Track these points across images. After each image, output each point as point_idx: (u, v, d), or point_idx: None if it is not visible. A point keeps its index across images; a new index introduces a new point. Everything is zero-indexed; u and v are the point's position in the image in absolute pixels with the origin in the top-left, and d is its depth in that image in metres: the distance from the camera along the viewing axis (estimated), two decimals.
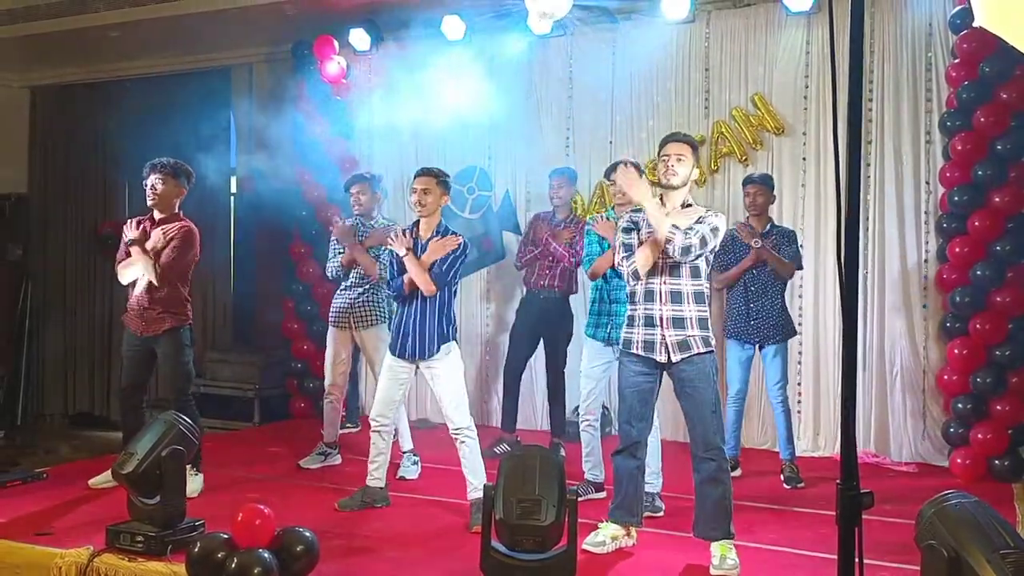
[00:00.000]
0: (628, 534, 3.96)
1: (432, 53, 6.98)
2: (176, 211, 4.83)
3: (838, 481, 1.70)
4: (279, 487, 5.01)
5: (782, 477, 5.17)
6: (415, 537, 4.11)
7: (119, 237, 8.59)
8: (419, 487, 4.99)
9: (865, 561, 1.73)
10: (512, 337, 5.99)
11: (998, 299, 5.22)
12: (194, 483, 4.62)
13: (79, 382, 8.93)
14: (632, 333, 3.84)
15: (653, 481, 4.44)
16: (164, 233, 4.74)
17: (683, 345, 3.74)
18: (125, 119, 8.62)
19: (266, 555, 3.23)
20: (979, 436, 5.21)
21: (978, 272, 5.27)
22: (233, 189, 8.35)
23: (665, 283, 3.77)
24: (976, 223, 5.26)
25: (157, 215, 4.81)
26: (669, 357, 3.76)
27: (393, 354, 4.46)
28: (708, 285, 3.90)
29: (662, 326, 3.74)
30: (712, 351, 3.79)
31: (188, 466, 4.23)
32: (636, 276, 3.81)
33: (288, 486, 5.05)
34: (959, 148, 5.34)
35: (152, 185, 4.74)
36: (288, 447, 5.97)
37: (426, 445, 5.49)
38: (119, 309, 8.72)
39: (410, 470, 5.26)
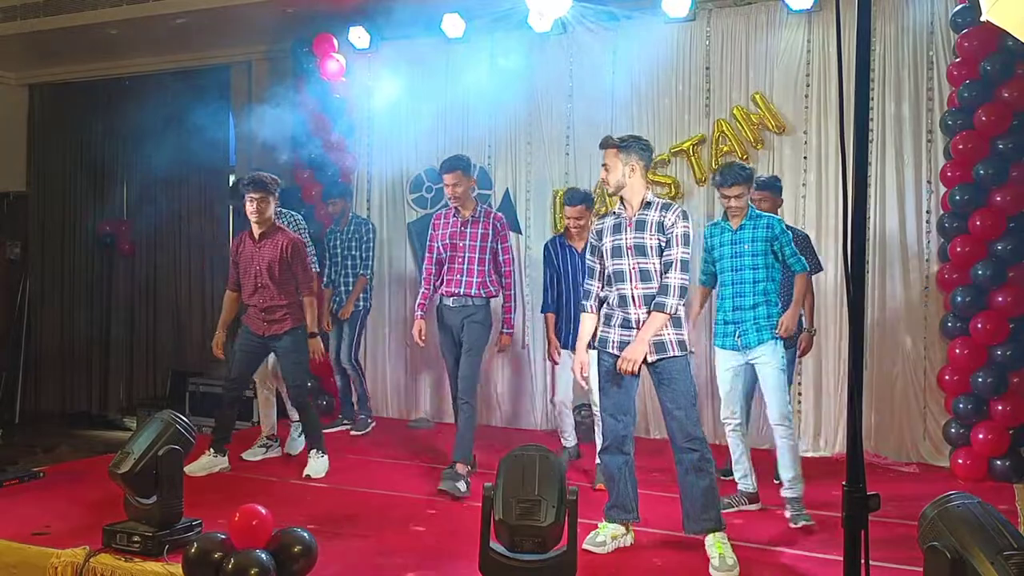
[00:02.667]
0: (627, 532, 3.96)
1: (432, 51, 6.98)
2: (273, 222, 5.19)
3: (844, 483, 1.69)
4: (277, 487, 4.99)
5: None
6: (414, 537, 4.09)
7: (118, 236, 8.67)
8: (419, 487, 4.97)
9: (864, 561, 1.71)
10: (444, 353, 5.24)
11: (999, 299, 5.20)
12: (319, 464, 5.12)
13: (77, 381, 8.91)
14: (608, 332, 3.94)
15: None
16: (279, 249, 5.09)
17: (659, 346, 3.82)
18: (124, 117, 8.60)
19: (263, 556, 3.21)
20: (980, 436, 5.19)
21: (979, 272, 5.25)
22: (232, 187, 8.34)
23: (637, 288, 3.86)
24: (977, 222, 5.24)
25: (257, 230, 5.14)
26: (645, 357, 3.82)
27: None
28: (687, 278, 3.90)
29: (639, 327, 3.84)
30: (687, 353, 3.88)
31: (315, 449, 5.12)
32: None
33: (286, 486, 5.02)
34: (960, 147, 5.32)
35: (255, 204, 5.04)
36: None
37: (426, 445, 5.47)
38: (117, 308, 8.78)
39: (296, 443, 5.59)
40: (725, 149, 6.25)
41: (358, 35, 7.06)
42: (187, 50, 7.96)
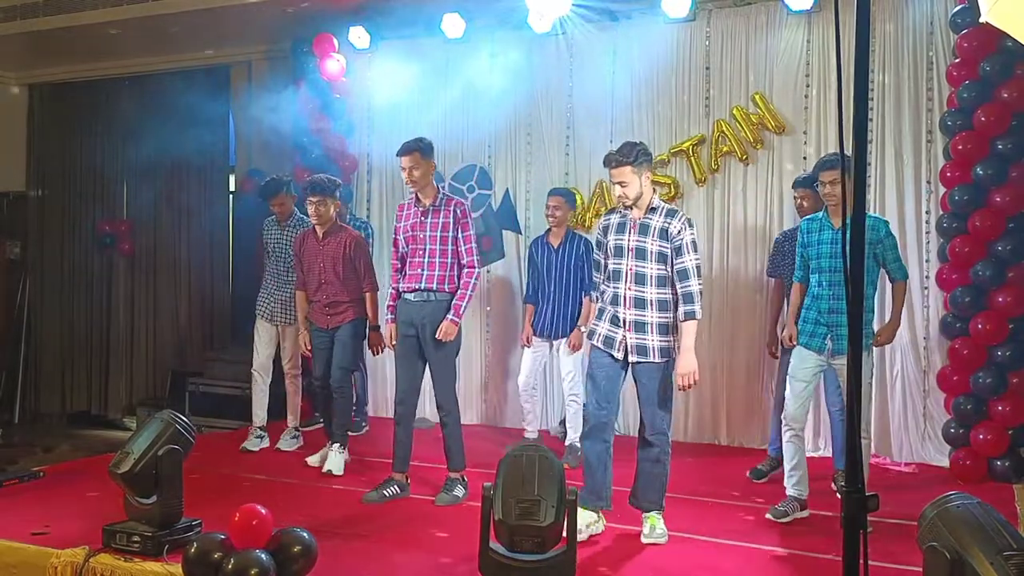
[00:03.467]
0: (599, 519, 4.04)
1: (432, 51, 6.98)
2: (336, 222, 5.36)
3: (843, 483, 1.69)
4: (277, 487, 4.99)
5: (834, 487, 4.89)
6: (414, 537, 4.09)
7: (117, 236, 8.68)
8: (418, 487, 4.97)
9: (862, 562, 1.71)
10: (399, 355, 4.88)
11: (999, 299, 5.20)
12: (338, 460, 5.23)
13: (77, 381, 8.92)
14: (597, 326, 4.11)
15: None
16: (343, 247, 5.29)
17: (641, 350, 3.99)
18: (123, 117, 8.61)
19: (263, 556, 3.21)
20: (980, 436, 5.19)
21: (979, 272, 5.25)
22: (232, 187, 8.34)
23: (630, 289, 4.00)
24: (977, 223, 5.24)
25: (320, 230, 5.31)
26: (627, 356, 4.00)
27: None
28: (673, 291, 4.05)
29: (625, 327, 4.00)
30: (667, 360, 4.01)
31: (337, 444, 5.25)
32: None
33: (286, 486, 5.03)
34: (960, 147, 5.32)
35: (315, 207, 5.23)
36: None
37: (426, 445, 5.47)
38: (117, 308, 8.78)
39: (290, 443, 5.81)
40: (725, 149, 6.25)
41: (358, 35, 7.06)
42: (187, 50, 7.96)
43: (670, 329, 4.01)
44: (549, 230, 5.73)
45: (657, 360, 3.98)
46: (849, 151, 1.71)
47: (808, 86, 6.07)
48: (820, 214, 4.49)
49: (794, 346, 4.49)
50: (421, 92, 7.10)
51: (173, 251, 8.59)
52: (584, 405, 4.26)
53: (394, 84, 7.10)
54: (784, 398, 4.50)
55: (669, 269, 3.99)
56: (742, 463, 5.47)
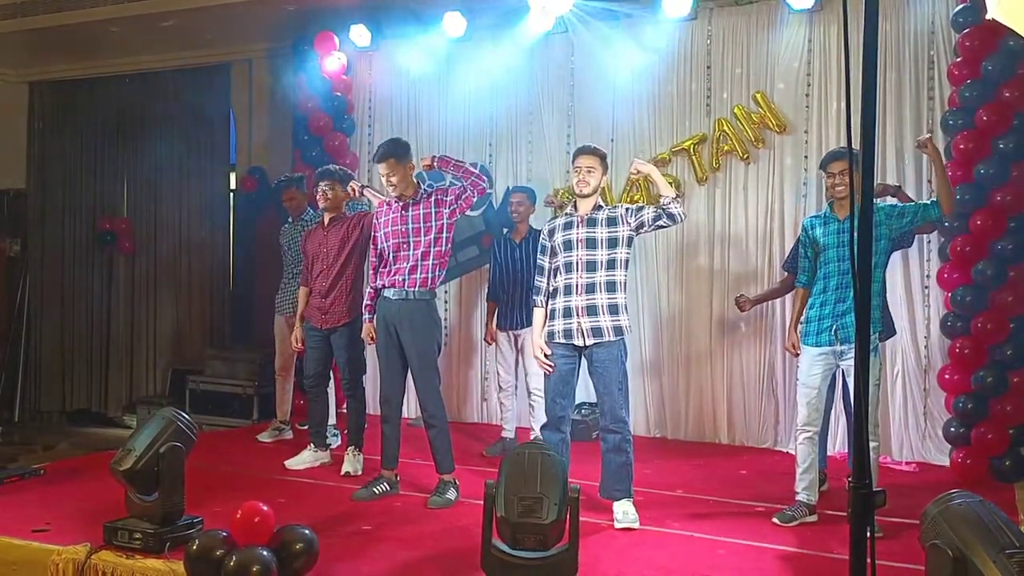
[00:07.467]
0: None
1: (433, 49, 6.97)
2: (343, 211, 5.35)
3: (849, 479, 1.69)
4: (278, 485, 4.99)
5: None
6: (416, 535, 4.09)
7: (118, 234, 8.68)
8: (419, 484, 4.97)
9: (870, 560, 1.71)
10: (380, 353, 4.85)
11: (1000, 298, 5.20)
12: (356, 462, 5.22)
13: (77, 378, 8.91)
14: (554, 325, 4.30)
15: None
16: (348, 228, 5.23)
17: (596, 331, 4.21)
18: (124, 115, 8.60)
19: (265, 553, 3.21)
20: (980, 435, 5.19)
21: (980, 271, 5.25)
22: (232, 185, 8.33)
23: (581, 277, 4.26)
24: (978, 222, 5.23)
25: (327, 217, 5.31)
26: (585, 341, 4.23)
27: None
28: (625, 273, 4.33)
29: (578, 315, 4.23)
30: (622, 338, 4.25)
31: (353, 447, 5.23)
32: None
33: (287, 484, 5.03)
34: (961, 147, 5.31)
35: (323, 192, 5.26)
36: (286, 444, 5.96)
37: (426, 443, 5.46)
38: (117, 306, 8.78)
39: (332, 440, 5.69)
40: (726, 148, 6.25)
41: (359, 33, 7.05)
42: (188, 48, 7.95)
43: (620, 309, 4.24)
44: (514, 227, 5.88)
45: (612, 339, 4.20)
46: (856, 145, 1.71)
47: (809, 85, 6.07)
48: (823, 211, 4.47)
49: (798, 354, 4.47)
50: (422, 90, 7.11)
51: (173, 249, 8.58)
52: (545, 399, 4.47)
53: (395, 82, 7.10)
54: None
55: (621, 251, 4.25)
56: (743, 462, 5.47)
